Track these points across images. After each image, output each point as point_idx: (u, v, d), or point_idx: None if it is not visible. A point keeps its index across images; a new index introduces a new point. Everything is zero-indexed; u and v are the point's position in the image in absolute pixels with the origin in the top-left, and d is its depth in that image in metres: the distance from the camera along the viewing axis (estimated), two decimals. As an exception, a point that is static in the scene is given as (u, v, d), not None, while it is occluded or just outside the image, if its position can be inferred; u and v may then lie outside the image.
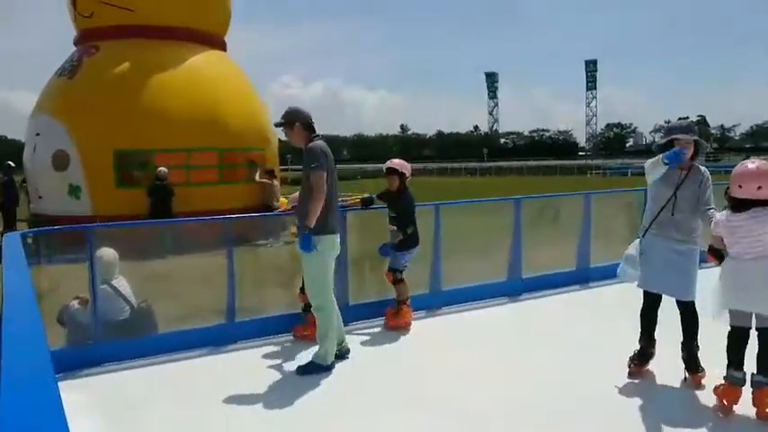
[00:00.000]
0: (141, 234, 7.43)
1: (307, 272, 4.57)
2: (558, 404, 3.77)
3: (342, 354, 4.74)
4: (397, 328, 5.48)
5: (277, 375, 4.45)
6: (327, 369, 4.50)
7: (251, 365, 4.68)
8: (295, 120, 4.56)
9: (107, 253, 5.07)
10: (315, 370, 4.46)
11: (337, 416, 3.75)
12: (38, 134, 13.80)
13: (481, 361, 4.62)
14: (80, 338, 4.91)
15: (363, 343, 5.19)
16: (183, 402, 4.00)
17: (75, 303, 5.03)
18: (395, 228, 5.57)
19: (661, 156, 3.86)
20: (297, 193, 5.28)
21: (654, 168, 3.93)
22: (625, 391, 3.95)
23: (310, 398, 4.04)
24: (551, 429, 3.48)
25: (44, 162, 13.37)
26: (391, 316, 5.59)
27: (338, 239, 4.64)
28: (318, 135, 4.60)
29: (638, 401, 3.76)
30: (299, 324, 5.31)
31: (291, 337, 5.26)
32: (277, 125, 4.70)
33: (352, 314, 5.63)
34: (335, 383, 4.31)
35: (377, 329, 5.52)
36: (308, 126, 4.57)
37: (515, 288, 6.57)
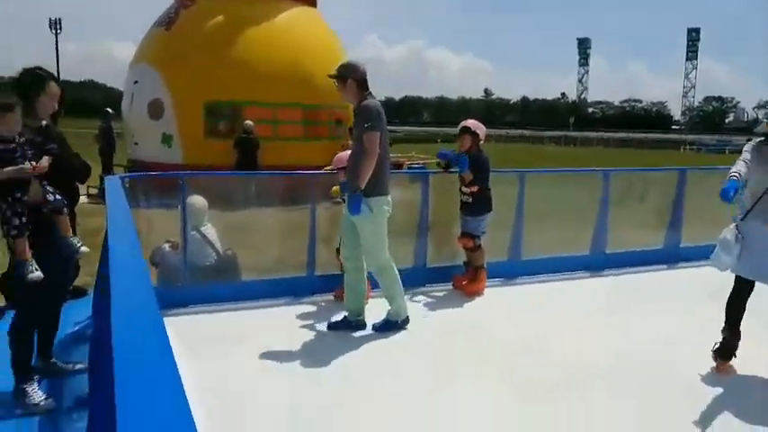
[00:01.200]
0: (227, 184, 7.68)
1: (365, 236, 4.46)
2: (630, 381, 3.66)
3: (359, 325, 4.58)
4: (472, 293, 5.45)
5: (355, 330, 4.54)
6: (402, 325, 4.53)
7: (328, 317, 4.78)
8: (348, 75, 4.38)
9: (198, 200, 5.27)
10: (390, 327, 4.50)
11: (413, 375, 3.79)
12: (136, 82, 14.46)
13: (555, 332, 4.53)
14: (169, 280, 5.17)
15: (437, 306, 5.20)
16: (262, 346, 4.14)
17: (166, 246, 5.28)
18: (469, 189, 5.41)
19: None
20: (341, 153, 5.23)
21: (757, 154, 3.75)
22: (705, 379, 3.77)
23: (382, 353, 4.10)
24: (620, 405, 3.38)
25: (141, 110, 14.03)
26: (468, 281, 5.54)
27: (390, 201, 4.50)
28: (371, 93, 4.42)
29: (718, 391, 3.58)
30: (338, 287, 5.13)
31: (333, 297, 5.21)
32: (330, 77, 4.52)
33: (428, 277, 5.65)
34: (409, 344, 4.35)
35: (451, 293, 5.51)
36: (362, 83, 4.39)
37: (598, 262, 6.37)
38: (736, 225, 3.85)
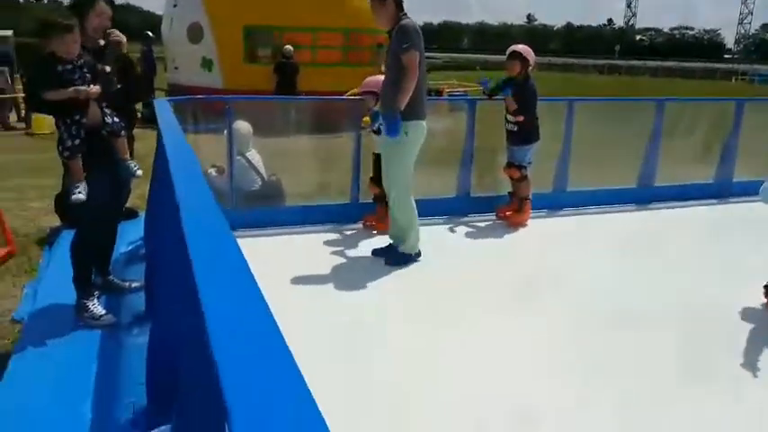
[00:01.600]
0: (269, 110, 7.66)
1: (391, 160, 4.36)
2: (668, 317, 3.61)
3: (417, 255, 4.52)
4: (517, 224, 5.41)
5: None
6: (415, 258, 4.46)
7: (373, 243, 4.82)
8: None
9: (243, 126, 5.27)
10: (405, 260, 4.42)
11: (453, 301, 3.82)
12: (175, 5, 14.30)
13: (596, 264, 4.50)
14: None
15: (477, 236, 5.19)
16: (308, 269, 4.23)
17: (212, 171, 5.34)
18: (515, 118, 5.27)
19: None
20: (370, 77, 5.11)
21: None
22: (753, 318, 3.69)
23: (418, 282, 4.15)
24: (657, 341, 3.34)
25: (180, 34, 13.92)
26: (512, 212, 5.49)
27: (426, 127, 4.36)
28: (407, 14, 4.24)
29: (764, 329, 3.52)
30: (369, 214, 5.22)
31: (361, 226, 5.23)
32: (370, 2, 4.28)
33: (471, 206, 5.62)
34: (450, 273, 4.36)
35: (494, 224, 5.48)
36: (400, 4, 4.23)
37: (645, 196, 6.24)
38: None
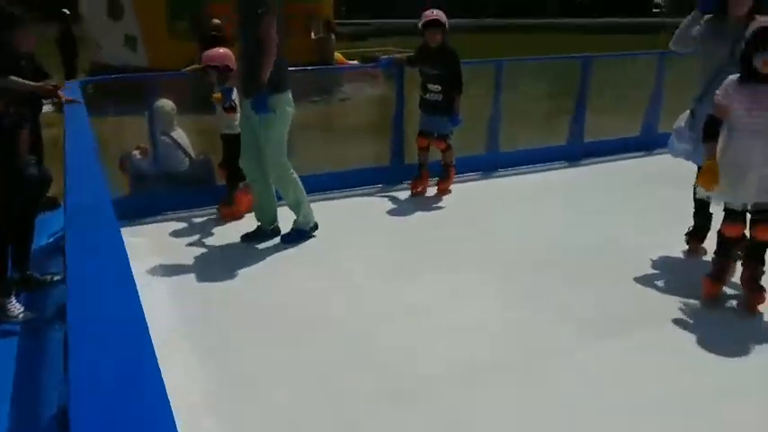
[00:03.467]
0: (195, 87, 7.38)
1: (267, 138, 4.02)
2: (595, 266, 3.77)
3: (275, 231, 4.33)
4: (445, 191, 5.36)
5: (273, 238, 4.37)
6: (311, 232, 4.29)
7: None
8: None
9: (166, 104, 5.08)
10: (301, 237, 4.24)
11: (381, 261, 3.83)
12: (91, -20, 13.60)
13: (530, 222, 4.60)
14: (142, 187, 5.07)
15: (411, 203, 5.19)
16: (229, 248, 4.20)
17: (136, 153, 5.14)
18: (439, 87, 5.04)
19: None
20: (212, 50, 4.71)
21: (690, 26, 3.68)
22: (676, 268, 3.83)
23: (339, 257, 4.08)
24: (579, 290, 3.48)
25: (100, 10, 13.27)
26: (440, 180, 5.38)
27: (291, 98, 4.09)
28: None
29: (686, 273, 3.66)
30: (223, 202, 4.81)
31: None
32: None
33: (406, 174, 5.59)
34: (377, 236, 4.38)
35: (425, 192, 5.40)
36: None
37: (576, 152, 6.36)
38: (691, 110, 3.78)
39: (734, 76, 3.09)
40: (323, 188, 5.29)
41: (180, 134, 5.22)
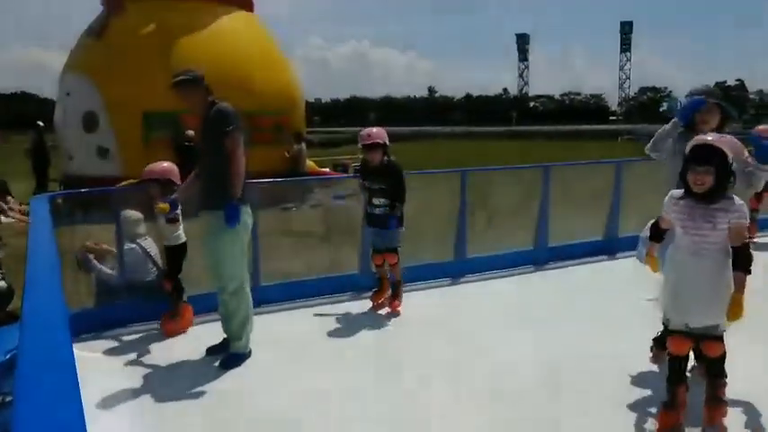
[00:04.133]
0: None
1: (224, 251, 4.03)
2: (574, 377, 3.73)
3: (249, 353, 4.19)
4: (396, 309, 5.10)
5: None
6: (248, 356, 4.14)
7: (283, 327, 4.73)
8: (200, 79, 4.07)
9: (131, 213, 5.12)
10: (239, 360, 4.08)
11: (361, 371, 3.76)
12: (68, 94, 13.95)
13: (498, 335, 4.56)
14: (105, 298, 5.00)
15: (378, 314, 5.18)
16: (194, 363, 4.09)
17: (91, 257, 5.05)
18: (386, 201, 4.99)
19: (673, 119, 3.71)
20: (152, 165, 4.79)
21: (667, 136, 3.77)
22: (642, 375, 3.79)
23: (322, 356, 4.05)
24: (553, 402, 3.44)
25: (75, 123, 13.54)
26: (393, 298, 5.15)
27: (250, 211, 4.21)
28: (214, 97, 4.10)
29: (649, 390, 3.60)
30: (166, 314, 4.71)
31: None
32: (177, 84, 4.04)
33: (374, 281, 5.61)
34: (356, 345, 4.32)
35: (375, 312, 5.20)
36: (208, 88, 4.12)
37: (542, 256, 6.48)
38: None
39: (677, 191, 3.04)
40: (289, 297, 5.29)
41: (150, 244, 5.22)
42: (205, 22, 13.85)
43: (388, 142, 5.05)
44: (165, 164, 4.84)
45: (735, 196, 2.89)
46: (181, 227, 4.71)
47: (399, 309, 5.10)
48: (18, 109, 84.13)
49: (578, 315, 4.86)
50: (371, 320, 4.97)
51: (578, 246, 6.83)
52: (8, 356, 4.15)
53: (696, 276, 2.93)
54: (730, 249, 2.92)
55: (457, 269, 6.07)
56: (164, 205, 4.43)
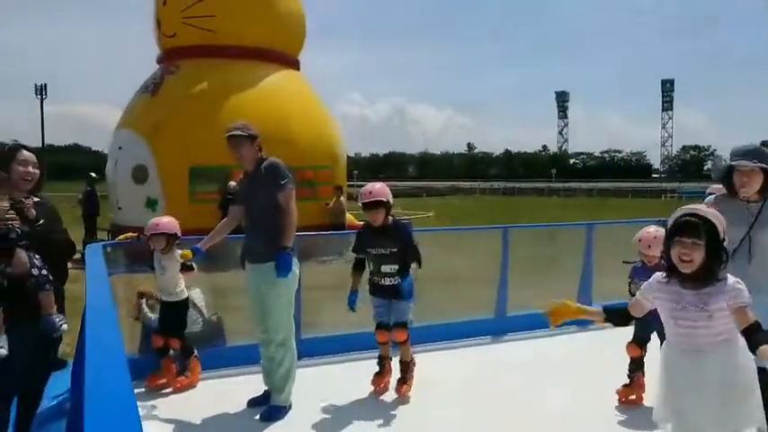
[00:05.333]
0: (212, 247, 7.61)
1: (276, 300, 4.08)
2: None
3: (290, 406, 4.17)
4: (405, 394, 4.47)
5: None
6: (289, 410, 4.11)
7: (321, 381, 4.70)
8: (256, 135, 4.20)
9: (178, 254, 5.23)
10: (278, 414, 4.06)
11: None
12: (120, 148, 14.55)
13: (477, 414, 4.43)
14: (148, 346, 5.07)
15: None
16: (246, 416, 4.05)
17: (143, 302, 5.16)
18: (396, 268, 4.34)
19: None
20: (155, 219, 4.78)
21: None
22: None
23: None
24: None
25: (125, 175, 14.08)
26: (404, 383, 4.49)
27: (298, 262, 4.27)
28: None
29: None
30: (176, 372, 4.66)
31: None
32: (235, 137, 4.14)
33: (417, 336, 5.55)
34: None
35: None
36: (260, 145, 4.26)
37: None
38: None
39: (659, 273, 2.52)
40: (329, 351, 5.28)
41: (197, 294, 5.31)
42: (254, 80, 14.41)
43: (391, 200, 4.38)
44: (168, 218, 4.85)
45: (728, 275, 2.38)
46: (182, 281, 4.72)
47: (409, 393, 4.45)
48: (70, 161, 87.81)
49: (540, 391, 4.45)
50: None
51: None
52: (55, 402, 4.24)
53: (699, 380, 2.37)
54: (739, 335, 2.34)
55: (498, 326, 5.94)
56: (187, 252, 4.42)
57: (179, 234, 4.78)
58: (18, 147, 3.48)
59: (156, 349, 4.67)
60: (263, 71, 14.77)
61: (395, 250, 4.35)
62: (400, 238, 4.37)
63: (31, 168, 3.40)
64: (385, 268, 4.38)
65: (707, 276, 2.33)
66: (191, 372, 4.70)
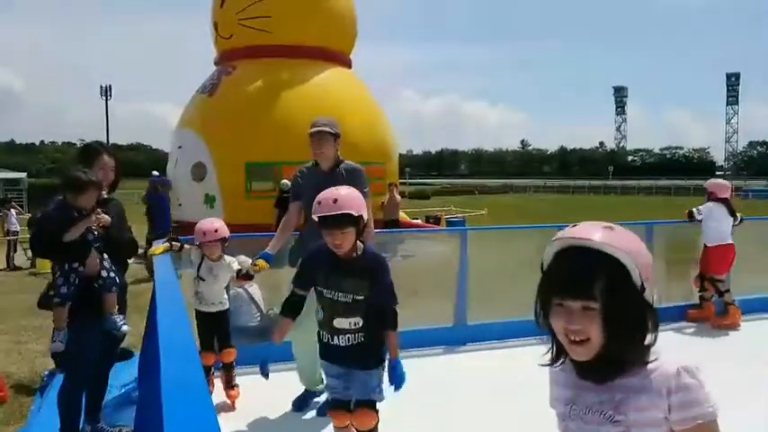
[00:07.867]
0: (267, 244, 7.76)
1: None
2: None
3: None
4: None
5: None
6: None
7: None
8: (339, 134, 4.15)
9: (241, 258, 5.35)
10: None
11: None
12: (180, 147, 15.04)
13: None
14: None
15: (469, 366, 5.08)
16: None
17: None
18: (359, 322, 2.83)
19: None
20: (202, 225, 4.31)
21: None
22: None
23: None
24: None
25: (184, 173, 14.53)
26: None
27: None
28: None
29: None
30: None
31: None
32: (321, 133, 4.03)
33: (467, 335, 5.53)
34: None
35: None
36: (339, 144, 4.16)
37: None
38: None
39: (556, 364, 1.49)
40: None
41: (255, 290, 5.42)
42: (307, 79, 14.62)
43: (365, 215, 2.85)
44: (218, 220, 4.59)
45: (659, 359, 1.34)
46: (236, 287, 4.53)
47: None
48: (132, 159, 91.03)
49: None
50: (456, 376, 4.89)
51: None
52: (123, 390, 4.44)
53: None
54: None
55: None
56: (262, 261, 4.21)
57: (227, 237, 4.47)
58: (100, 150, 3.71)
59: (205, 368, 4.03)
60: (316, 70, 14.96)
61: (360, 298, 2.82)
62: (375, 279, 2.84)
63: (109, 173, 3.65)
64: (342, 322, 2.85)
65: (617, 364, 1.33)
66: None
